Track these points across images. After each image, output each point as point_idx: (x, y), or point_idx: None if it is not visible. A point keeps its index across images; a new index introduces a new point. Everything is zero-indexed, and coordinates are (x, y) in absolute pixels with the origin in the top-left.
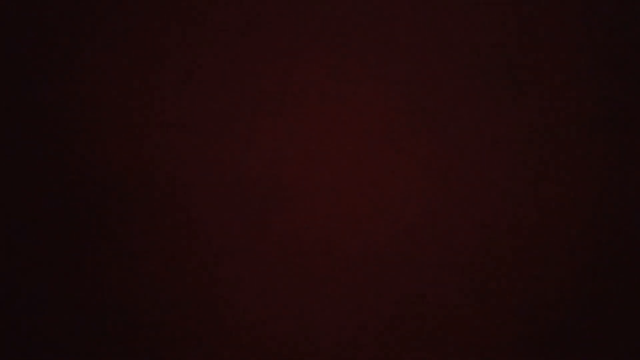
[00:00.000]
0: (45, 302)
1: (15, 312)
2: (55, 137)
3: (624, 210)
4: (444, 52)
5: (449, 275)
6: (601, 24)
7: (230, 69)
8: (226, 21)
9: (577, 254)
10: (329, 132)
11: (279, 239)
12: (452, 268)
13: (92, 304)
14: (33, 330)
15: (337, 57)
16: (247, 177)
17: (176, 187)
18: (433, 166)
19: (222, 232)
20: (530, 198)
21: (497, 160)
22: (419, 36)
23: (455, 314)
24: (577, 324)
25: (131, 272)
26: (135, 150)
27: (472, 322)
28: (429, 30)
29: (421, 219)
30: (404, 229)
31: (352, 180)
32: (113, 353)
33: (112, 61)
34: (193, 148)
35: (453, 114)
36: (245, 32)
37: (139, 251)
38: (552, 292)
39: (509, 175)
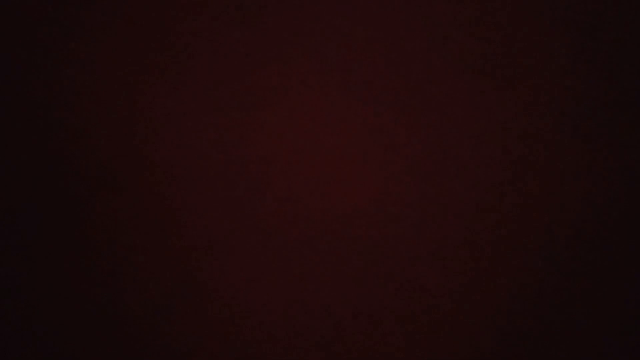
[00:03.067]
0: (32, 297)
1: (2, 309)
2: (45, 130)
3: (610, 207)
4: (432, 50)
5: (439, 266)
6: (592, 21)
7: (221, 61)
8: (220, 14)
9: (563, 249)
10: (320, 125)
11: (268, 230)
12: (442, 261)
13: (81, 297)
14: (20, 326)
15: (329, 53)
16: (239, 169)
17: (166, 178)
18: (423, 159)
19: (213, 224)
20: (517, 193)
21: (483, 156)
22: (408, 36)
23: (444, 307)
24: (560, 319)
25: (121, 264)
26: (125, 142)
27: (460, 315)
28: (417, 30)
29: (412, 211)
30: (393, 221)
31: (342, 173)
32: (102, 347)
33: (104, 53)
34: (184, 140)
35: (441, 110)
36: (240, 24)
37: (129, 242)
38: (538, 288)
39: (495, 170)
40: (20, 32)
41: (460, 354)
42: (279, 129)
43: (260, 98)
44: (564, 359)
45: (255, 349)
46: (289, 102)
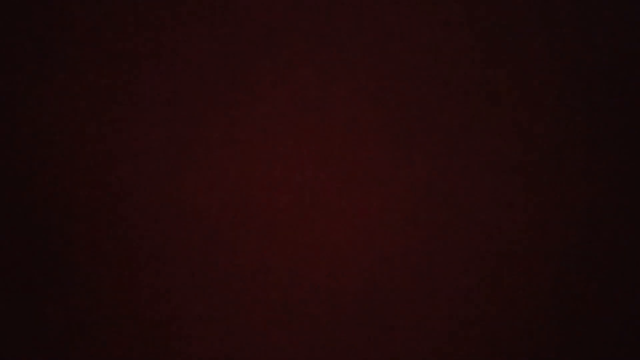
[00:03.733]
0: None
1: None
2: (23, 149)
3: (614, 214)
4: (433, 56)
5: (441, 279)
6: (588, 29)
7: (216, 74)
8: (212, 25)
9: (568, 258)
10: (318, 139)
11: (261, 248)
12: (444, 273)
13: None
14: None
15: (327, 63)
16: (234, 185)
17: (158, 194)
18: (424, 171)
19: (208, 238)
20: (520, 202)
21: (486, 164)
22: (408, 42)
23: (450, 320)
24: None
25: (113, 287)
26: (113, 162)
27: (465, 328)
28: (417, 36)
29: (410, 226)
30: (392, 236)
31: (342, 187)
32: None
33: (91, 66)
34: (176, 156)
35: (443, 119)
36: (232, 35)
37: (121, 260)
38: (547, 298)
39: (498, 179)
40: (8, 51)
41: None
42: (278, 141)
43: (260, 109)
44: None
45: None
46: (290, 114)
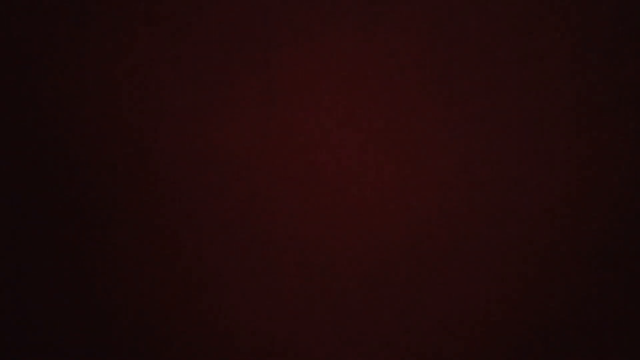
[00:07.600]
0: (31, 299)
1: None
2: (41, 133)
3: (633, 204)
4: (450, 44)
5: (449, 270)
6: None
7: (225, 57)
8: (218, 10)
9: (585, 249)
10: (333, 123)
11: (273, 231)
12: (456, 263)
13: (84, 302)
14: (17, 328)
15: (339, 43)
16: (252, 172)
17: (167, 178)
18: (436, 160)
19: (213, 224)
20: (535, 193)
21: (501, 155)
22: (424, 28)
23: (459, 310)
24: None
25: (119, 268)
26: (125, 144)
27: (478, 320)
28: (435, 22)
29: (422, 212)
30: (404, 222)
31: (353, 172)
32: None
33: (103, 57)
34: (184, 139)
35: (457, 109)
36: (242, 20)
37: (128, 247)
38: (560, 289)
39: (514, 169)
40: (26, 42)
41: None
42: (291, 128)
43: (280, 93)
44: None
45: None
46: (304, 100)
